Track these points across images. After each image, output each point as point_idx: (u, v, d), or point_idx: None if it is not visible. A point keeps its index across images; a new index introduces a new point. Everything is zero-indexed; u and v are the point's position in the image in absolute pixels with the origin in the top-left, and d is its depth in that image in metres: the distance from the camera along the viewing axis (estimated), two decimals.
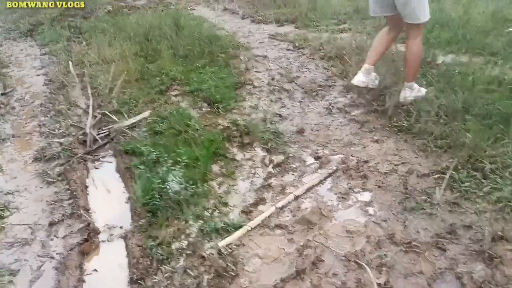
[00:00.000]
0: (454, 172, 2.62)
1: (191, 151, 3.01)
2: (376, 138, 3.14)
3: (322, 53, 4.92)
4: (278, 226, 2.38)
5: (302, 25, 6.21)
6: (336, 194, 2.61)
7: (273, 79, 4.37)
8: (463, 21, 5.20)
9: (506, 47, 4.39)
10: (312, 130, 3.34)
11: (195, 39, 5.32)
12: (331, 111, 3.60)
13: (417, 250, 2.15)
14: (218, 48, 5.04)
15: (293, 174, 2.83)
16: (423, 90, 3.47)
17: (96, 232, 2.45)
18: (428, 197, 2.49)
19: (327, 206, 2.51)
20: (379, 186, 2.64)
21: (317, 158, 2.98)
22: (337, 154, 3.00)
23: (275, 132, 3.31)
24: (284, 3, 7.37)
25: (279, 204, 2.52)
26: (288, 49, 5.27)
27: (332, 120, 3.45)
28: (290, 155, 3.03)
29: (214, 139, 3.20)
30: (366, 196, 2.57)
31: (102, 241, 2.42)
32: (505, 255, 2.05)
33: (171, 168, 2.85)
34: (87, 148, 3.30)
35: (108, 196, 2.85)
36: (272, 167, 2.92)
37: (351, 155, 2.96)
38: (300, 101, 3.84)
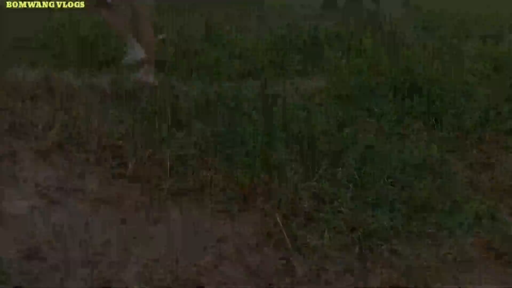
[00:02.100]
0: (282, 227, 2.12)
1: None
2: (156, 216, 2.15)
3: None
4: None
5: None
6: None
7: None
8: None
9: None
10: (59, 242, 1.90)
11: None
12: (53, 199, 2.19)
13: None
14: None
15: None
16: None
17: None
18: (291, 275, 1.89)
19: None
20: None
21: None
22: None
23: None
24: None
25: None
26: None
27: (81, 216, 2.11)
28: None
29: None
30: None
31: None
32: None
33: None
34: None
35: None
36: None
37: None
38: None
